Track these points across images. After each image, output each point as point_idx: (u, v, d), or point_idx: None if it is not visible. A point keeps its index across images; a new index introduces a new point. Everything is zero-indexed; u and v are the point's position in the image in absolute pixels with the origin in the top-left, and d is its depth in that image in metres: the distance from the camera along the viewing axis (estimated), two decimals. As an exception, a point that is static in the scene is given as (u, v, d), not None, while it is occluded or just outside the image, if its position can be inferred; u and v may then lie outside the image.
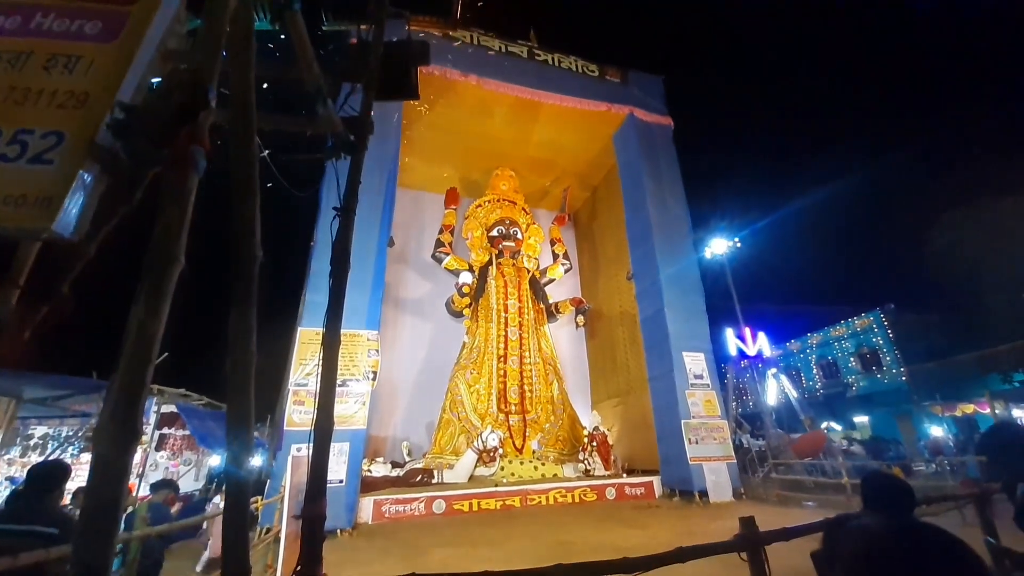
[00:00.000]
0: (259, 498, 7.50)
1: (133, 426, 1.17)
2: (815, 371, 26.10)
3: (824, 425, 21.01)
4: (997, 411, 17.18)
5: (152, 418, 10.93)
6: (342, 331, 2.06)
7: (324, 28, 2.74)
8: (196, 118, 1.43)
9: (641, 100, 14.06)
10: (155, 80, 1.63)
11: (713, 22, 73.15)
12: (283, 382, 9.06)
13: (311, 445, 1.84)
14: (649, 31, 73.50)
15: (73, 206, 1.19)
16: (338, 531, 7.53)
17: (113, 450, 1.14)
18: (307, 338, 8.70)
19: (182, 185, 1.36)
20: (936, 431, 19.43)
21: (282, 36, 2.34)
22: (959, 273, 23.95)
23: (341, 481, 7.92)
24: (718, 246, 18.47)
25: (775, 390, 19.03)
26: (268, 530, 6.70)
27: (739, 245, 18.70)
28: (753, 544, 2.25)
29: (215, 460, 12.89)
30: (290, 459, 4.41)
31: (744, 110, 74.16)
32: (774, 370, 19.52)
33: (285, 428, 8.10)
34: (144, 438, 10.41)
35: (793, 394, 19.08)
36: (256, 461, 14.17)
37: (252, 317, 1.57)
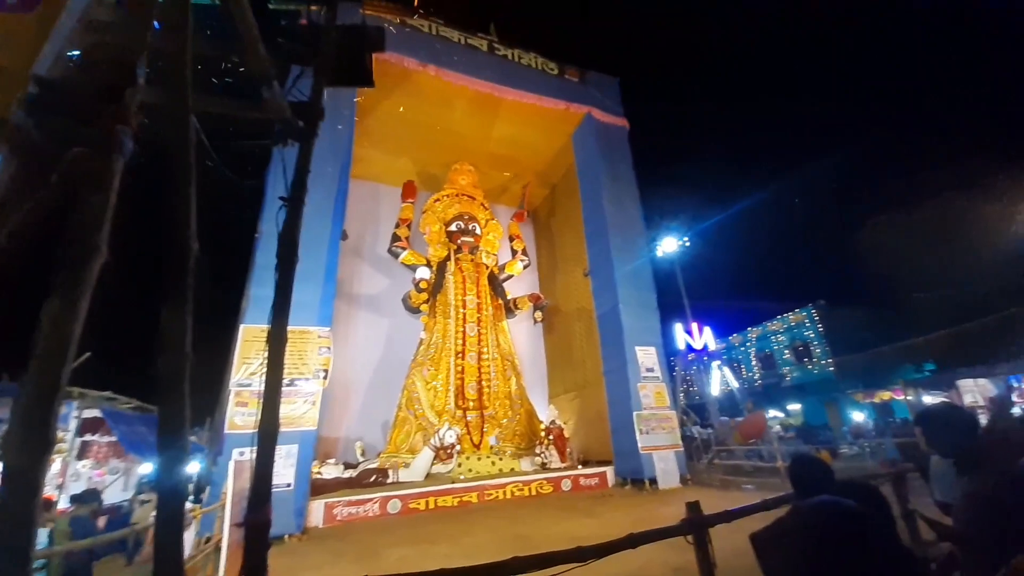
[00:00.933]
0: (197, 506, 7.05)
1: (46, 434, 1.06)
2: (754, 363, 27.94)
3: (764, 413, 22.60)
4: (909, 397, 19.12)
5: (72, 424, 9.97)
6: (290, 328, 1.96)
7: (271, 5, 2.58)
8: (122, 96, 1.31)
9: (599, 101, 14.34)
10: (75, 53, 1.47)
11: (665, 29, 75.91)
12: (224, 383, 8.52)
13: (255, 448, 1.74)
14: (607, 34, 75.19)
15: (-27, 189, 1.06)
16: (286, 537, 7.21)
17: (24, 460, 1.04)
18: (251, 335, 8.21)
19: (105, 169, 1.24)
20: (858, 416, 21.43)
21: (224, 9, 2.18)
22: (883, 272, 26.50)
23: (289, 485, 7.58)
24: (669, 245, 19.32)
25: (719, 381, 20.20)
26: (208, 539, 6.32)
27: (688, 244, 19.64)
28: (698, 527, 2.38)
29: (147, 468, 11.97)
30: (232, 464, 4.16)
31: (696, 114, 77.73)
32: (718, 362, 20.74)
33: (226, 431, 7.62)
34: (63, 446, 9.48)
35: (735, 384, 20.40)
36: (194, 467, 13.31)
37: (187, 313, 1.46)
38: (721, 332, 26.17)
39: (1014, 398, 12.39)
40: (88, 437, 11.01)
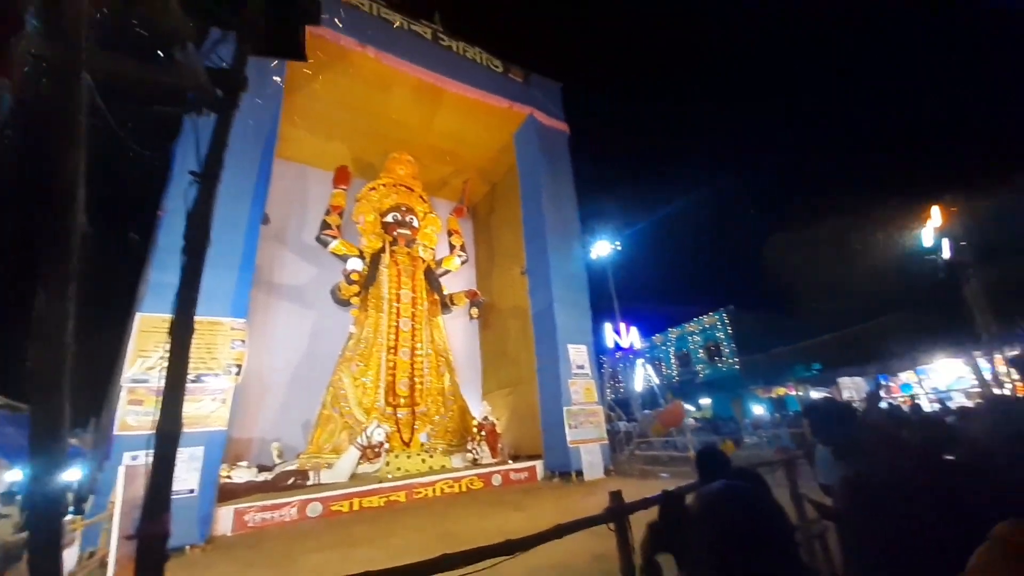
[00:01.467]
0: (79, 518, 6.19)
1: None
2: (673, 361, 30.19)
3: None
4: (800, 393, 21.68)
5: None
6: (198, 318, 1.77)
7: (188, -42, 2.30)
8: (5, 44, 1.10)
9: (542, 103, 14.57)
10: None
11: (607, 37, 79.08)
12: (113, 378, 7.52)
13: (151, 452, 1.55)
14: (552, 38, 76.66)
15: None
16: (187, 548, 6.55)
17: None
18: (149, 325, 7.31)
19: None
20: (758, 410, 24.00)
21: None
22: (783, 282, 29.81)
23: (192, 491, 6.88)
24: (602, 248, 20.19)
25: (642, 378, 21.52)
26: (92, 554, 5.56)
27: (619, 248, 20.66)
28: (619, 515, 2.51)
29: (15, 475, 10.31)
30: (122, 469, 3.69)
31: (629, 124, 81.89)
32: (642, 360, 22.08)
33: (116, 433, 6.74)
34: None
35: (656, 381, 21.82)
36: (74, 475, 11.69)
37: (68, 300, 1.26)
38: (646, 332, 28.01)
39: (882, 394, 14.57)
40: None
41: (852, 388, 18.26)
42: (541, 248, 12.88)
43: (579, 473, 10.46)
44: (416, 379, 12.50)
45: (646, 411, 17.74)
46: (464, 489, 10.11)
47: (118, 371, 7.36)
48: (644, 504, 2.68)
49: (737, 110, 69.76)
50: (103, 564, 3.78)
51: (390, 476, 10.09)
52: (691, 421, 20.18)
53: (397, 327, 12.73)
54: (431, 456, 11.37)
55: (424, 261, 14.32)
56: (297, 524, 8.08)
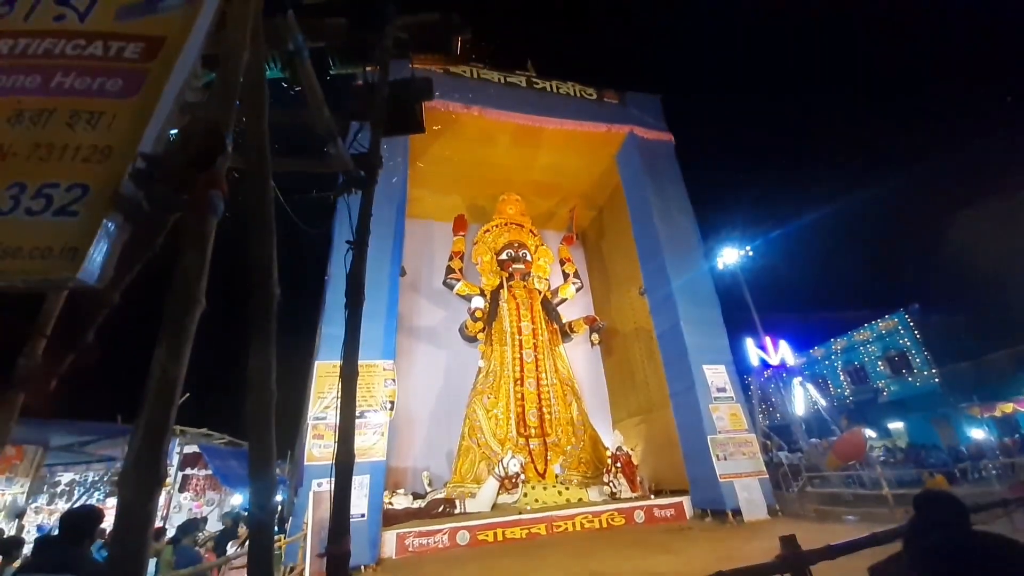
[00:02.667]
0: (282, 536, 7.40)
1: (157, 470, 1.18)
2: (842, 377, 25.26)
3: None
4: (1041, 410, 16.37)
5: (175, 459, 10.98)
6: (359, 362, 2.07)
7: (332, 72, 2.86)
8: (213, 163, 1.49)
9: (640, 119, 14.28)
10: (173, 131, 1.71)
11: (707, 38, 74.62)
12: (302, 417, 9.06)
13: (332, 480, 1.82)
14: (643, 53, 75.22)
15: (98, 254, 1.22)
16: (362, 567, 7.35)
17: (138, 495, 1.15)
18: (324, 371, 8.73)
19: (201, 229, 1.41)
20: (976, 434, 18.51)
21: (295, 87, 2.45)
22: (984, 269, 23.19)
23: (363, 515, 7.79)
24: (730, 256, 18.33)
25: (803, 399, 18.45)
26: (292, 569, 6.58)
27: (751, 254, 18.54)
28: (797, 565, 2.13)
29: (237, 499, 12.82)
30: (311, 495, 4.36)
31: (749, 120, 74.68)
32: (799, 379, 18.98)
33: (305, 463, 8.04)
34: (167, 480, 10.45)
35: (822, 402, 18.49)
36: (277, 498, 14.02)
37: (271, 355, 1.59)
38: (800, 346, 24.05)
39: None
40: (188, 471, 12.06)
41: None
42: (658, 265, 12.22)
43: (736, 512, 9.20)
44: (544, 409, 12.57)
45: (813, 440, 15.05)
46: (604, 525, 9.64)
47: (304, 411, 8.86)
48: (829, 553, 2.25)
49: (905, 60, 58.65)
50: (301, 578, 4.46)
51: (528, 507, 10.13)
52: (876, 451, 16.49)
53: (521, 359, 13.09)
54: (567, 488, 11.16)
55: (540, 292, 14.66)
56: (448, 551, 8.53)
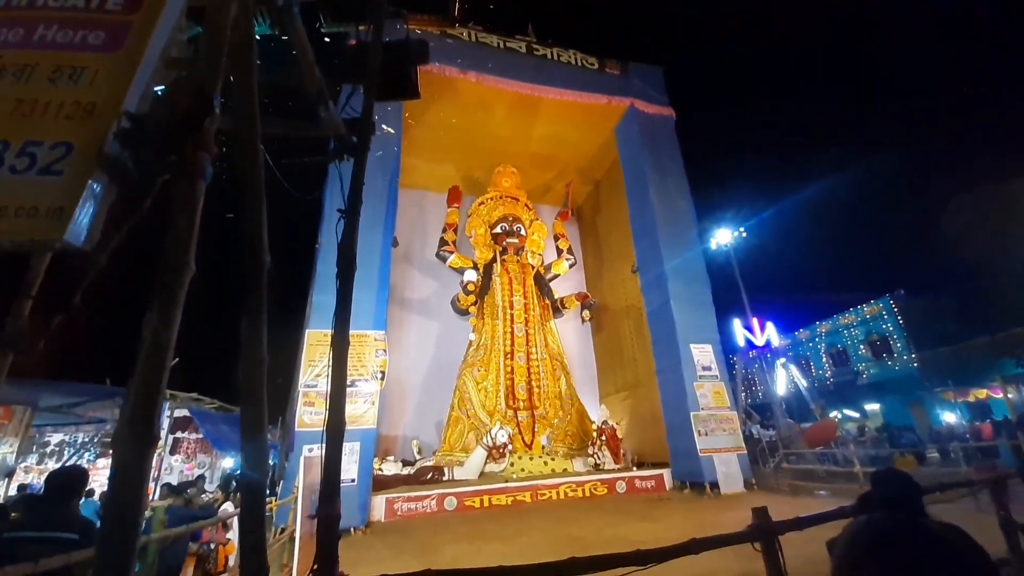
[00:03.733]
0: (273, 499, 7.59)
1: (150, 431, 1.19)
2: (824, 360, 25.89)
3: (834, 414, 20.90)
4: (1010, 396, 17.00)
5: (166, 423, 11.07)
6: (350, 332, 2.07)
7: (323, 30, 2.74)
8: (202, 125, 1.44)
9: (642, 91, 13.95)
10: (159, 88, 1.64)
11: (713, 9, 72.39)
12: (293, 384, 9.13)
13: (323, 445, 1.86)
14: (647, 22, 72.93)
15: (84, 216, 1.19)
16: (352, 529, 7.61)
17: (132, 455, 1.16)
18: (315, 340, 8.75)
19: (191, 193, 1.38)
20: (949, 417, 19.27)
21: (282, 39, 2.35)
22: (969, 257, 23.55)
23: (353, 480, 7.99)
24: (723, 236, 18.41)
25: (785, 379, 18.97)
26: (283, 530, 6.78)
27: (744, 235, 18.63)
28: (767, 534, 2.25)
29: (228, 462, 13.04)
30: (302, 460, 4.45)
31: (748, 98, 73.49)
32: (783, 360, 19.47)
33: (296, 429, 8.17)
34: (159, 442, 10.59)
35: (803, 383, 19.03)
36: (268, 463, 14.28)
37: (262, 322, 1.59)
38: (786, 328, 24.50)
39: None
40: (178, 434, 12.20)
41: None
42: (652, 243, 12.24)
43: (714, 485, 9.59)
44: (533, 383, 12.80)
45: (789, 420, 15.55)
46: (587, 494, 10.01)
47: (295, 378, 8.93)
48: (798, 524, 2.37)
49: (893, 48, 57.73)
50: (292, 539, 4.60)
51: (515, 476, 10.46)
52: (851, 428, 17.14)
53: (512, 333, 13.22)
54: (553, 459, 11.51)
55: (533, 267, 14.67)
56: (436, 515, 8.84)
